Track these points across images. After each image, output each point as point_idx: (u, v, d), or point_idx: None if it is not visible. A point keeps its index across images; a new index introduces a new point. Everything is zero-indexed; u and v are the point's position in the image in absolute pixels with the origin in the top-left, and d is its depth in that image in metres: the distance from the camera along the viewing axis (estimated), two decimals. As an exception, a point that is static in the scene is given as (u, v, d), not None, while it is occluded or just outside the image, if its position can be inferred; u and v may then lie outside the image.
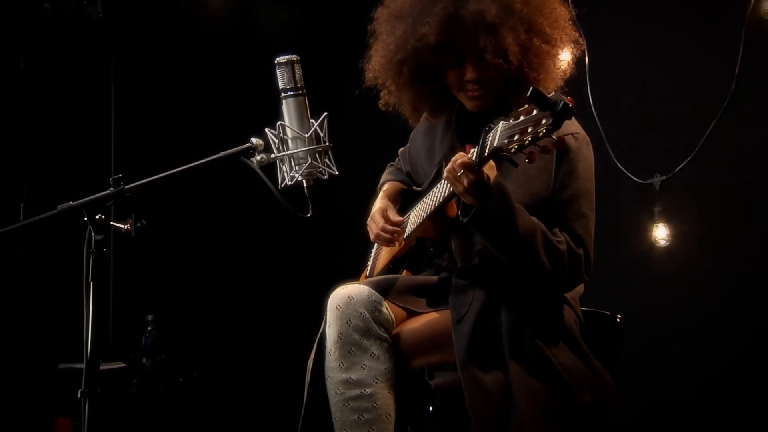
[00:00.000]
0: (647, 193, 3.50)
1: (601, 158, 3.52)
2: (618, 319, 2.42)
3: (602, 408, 2.18)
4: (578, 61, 3.44)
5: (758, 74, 3.29)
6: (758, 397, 3.31)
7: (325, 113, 2.12)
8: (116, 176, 1.99)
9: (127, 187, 1.99)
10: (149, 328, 3.96)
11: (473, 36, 2.18)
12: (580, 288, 2.33)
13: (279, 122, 2.12)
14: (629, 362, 2.50)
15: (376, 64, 2.38)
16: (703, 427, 3.43)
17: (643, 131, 3.62)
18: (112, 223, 2.02)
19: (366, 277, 2.64)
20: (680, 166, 3.42)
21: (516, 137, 1.87)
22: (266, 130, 2.12)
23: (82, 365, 1.90)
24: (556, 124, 1.83)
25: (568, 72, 2.37)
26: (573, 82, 2.34)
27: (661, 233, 3.46)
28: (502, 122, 1.92)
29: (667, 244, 3.46)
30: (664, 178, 3.47)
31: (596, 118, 3.49)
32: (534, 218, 2.12)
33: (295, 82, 2.10)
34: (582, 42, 2.35)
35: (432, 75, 2.32)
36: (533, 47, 2.20)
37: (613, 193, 3.61)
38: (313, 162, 2.10)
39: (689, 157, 3.39)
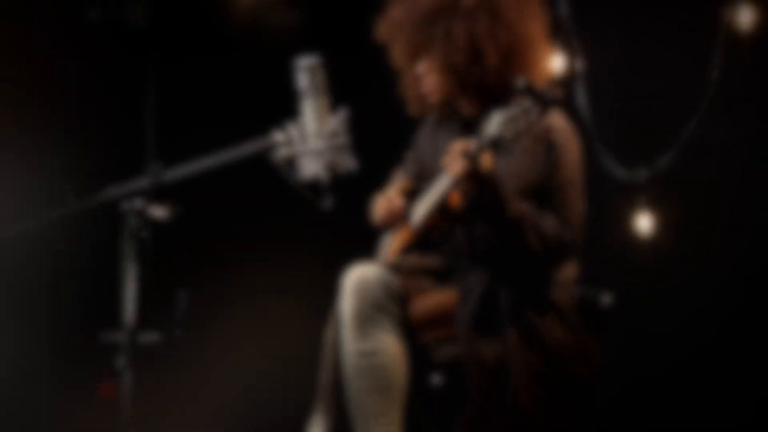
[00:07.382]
0: (632, 187, 3.49)
1: (591, 155, 3.53)
2: (606, 301, 2.41)
3: (590, 378, 2.18)
4: (570, 68, 3.48)
5: (733, 80, 3.28)
6: (731, 376, 3.30)
7: (344, 111, 2.10)
8: (155, 167, 1.99)
9: (164, 176, 1.99)
10: (182, 302, 3.96)
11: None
12: (574, 271, 2.32)
13: (300, 119, 2.10)
14: (615, 338, 2.51)
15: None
16: (677, 401, 3.43)
17: (630, 131, 3.62)
18: (150, 208, 2.02)
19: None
20: (663, 163, 3.41)
21: (510, 126, 1.88)
22: (289, 126, 2.11)
23: (123, 335, 1.92)
24: (543, 112, 1.84)
25: (545, 75, 2.34)
26: (566, 87, 2.33)
27: (644, 224, 3.47)
28: (498, 114, 1.93)
29: (650, 233, 3.46)
30: (648, 173, 3.46)
31: (587, 120, 3.48)
32: (524, 204, 2.12)
33: (316, 82, 2.08)
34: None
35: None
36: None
37: (602, 187, 3.60)
38: (332, 157, 2.09)
39: (671, 155, 3.38)
